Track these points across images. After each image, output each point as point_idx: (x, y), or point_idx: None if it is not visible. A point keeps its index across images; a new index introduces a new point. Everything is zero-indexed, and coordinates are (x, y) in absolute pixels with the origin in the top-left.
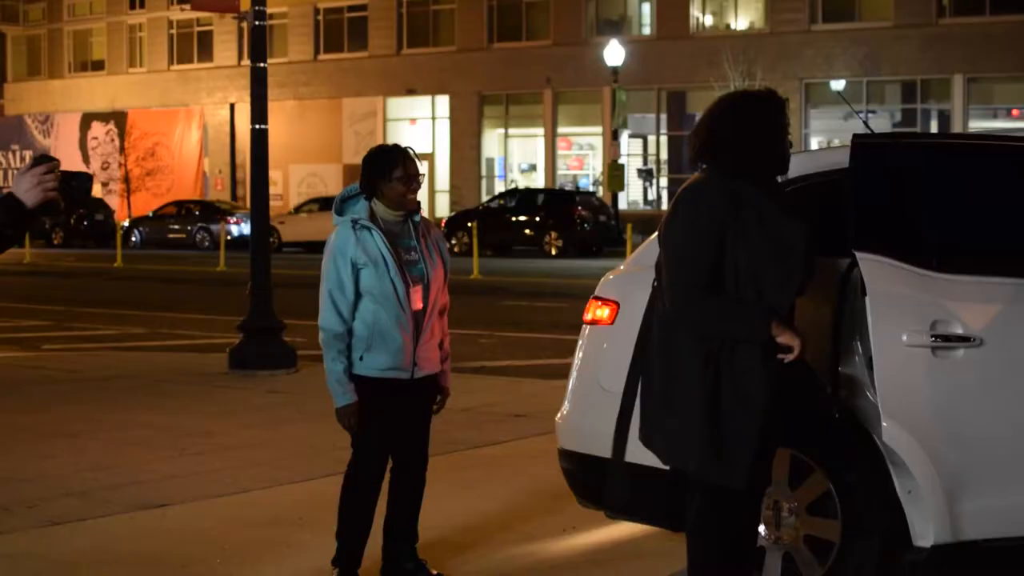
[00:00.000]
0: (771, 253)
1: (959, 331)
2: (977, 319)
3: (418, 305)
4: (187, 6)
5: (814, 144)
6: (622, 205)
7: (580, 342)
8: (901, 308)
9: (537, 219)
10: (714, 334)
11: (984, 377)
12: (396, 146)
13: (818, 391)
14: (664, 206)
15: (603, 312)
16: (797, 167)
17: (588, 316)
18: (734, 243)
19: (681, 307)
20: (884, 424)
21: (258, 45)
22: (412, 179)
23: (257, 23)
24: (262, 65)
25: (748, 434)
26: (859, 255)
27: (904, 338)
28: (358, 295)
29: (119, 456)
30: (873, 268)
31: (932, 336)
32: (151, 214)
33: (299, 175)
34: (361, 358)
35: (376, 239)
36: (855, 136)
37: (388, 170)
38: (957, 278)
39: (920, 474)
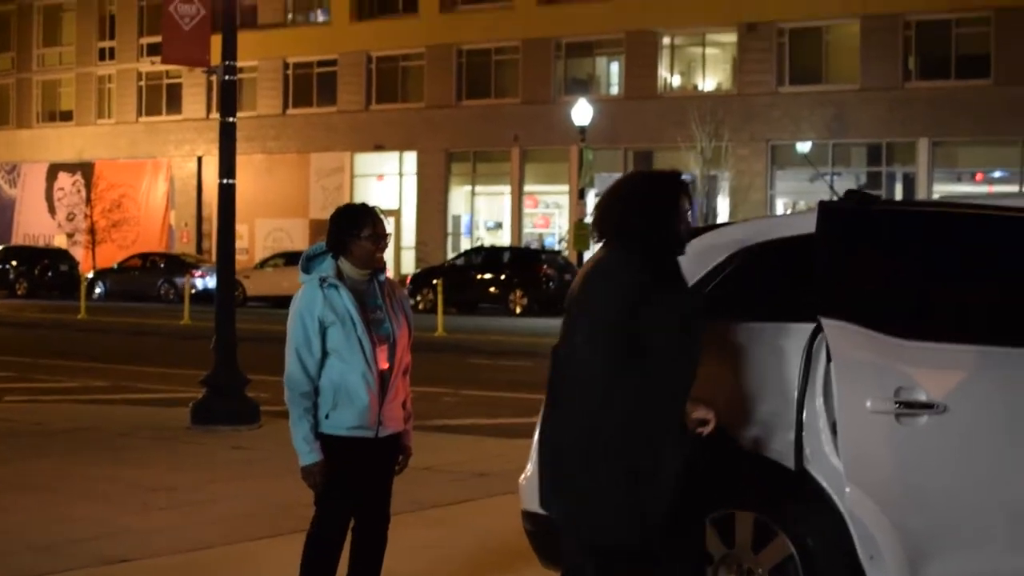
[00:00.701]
0: (676, 330)
1: (922, 398)
2: (940, 386)
3: (384, 364)
4: (158, 59)
5: (779, 205)
6: None
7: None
8: (865, 374)
9: (502, 277)
10: (631, 405)
11: (947, 443)
12: (364, 205)
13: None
14: None
15: None
16: (762, 231)
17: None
18: (647, 321)
19: (597, 379)
20: (847, 489)
21: (228, 99)
22: (380, 238)
23: (227, 77)
24: (231, 120)
25: (660, 499)
26: (824, 321)
27: (868, 404)
28: (324, 353)
29: (83, 509)
30: (838, 334)
31: (896, 403)
32: (116, 266)
33: (265, 229)
34: (327, 416)
35: (344, 297)
36: (820, 203)
37: (357, 229)
38: (921, 344)
39: (883, 540)
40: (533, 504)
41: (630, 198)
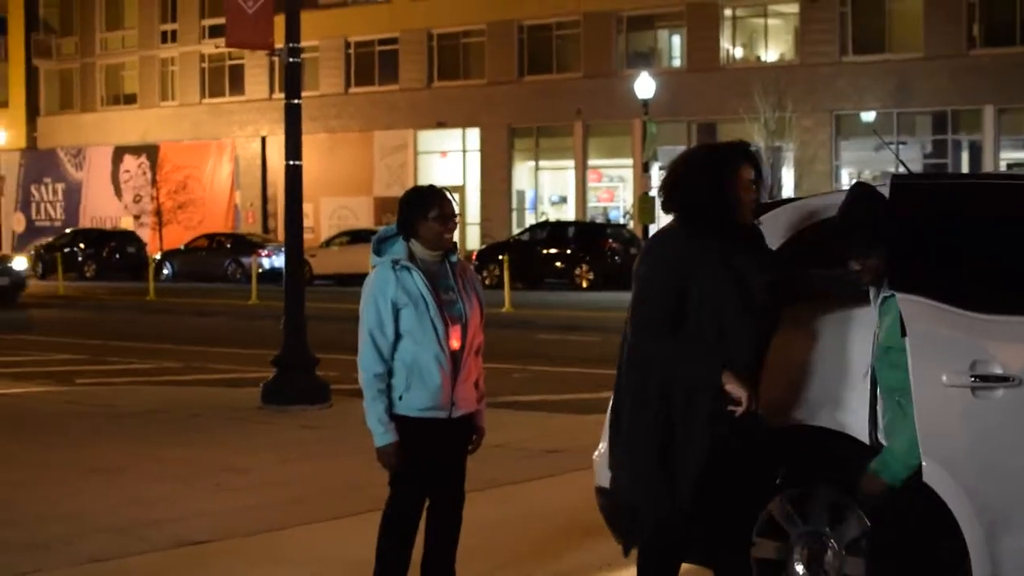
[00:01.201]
0: (733, 302)
1: (998, 371)
2: (1016, 359)
3: (456, 345)
4: (221, 42)
5: (845, 176)
6: None
7: None
8: (940, 348)
9: (568, 251)
10: (668, 373)
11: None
12: (432, 187)
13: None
14: None
15: None
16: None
17: None
18: (699, 290)
19: (639, 342)
20: (924, 463)
21: (292, 82)
22: (448, 219)
23: (291, 60)
24: (296, 101)
25: (688, 474)
26: (898, 296)
27: (944, 378)
28: (397, 335)
29: (156, 491)
30: (912, 308)
31: (972, 376)
32: (183, 247)
33: (330, 208)
34: (400, 398)
35: (416, 279)
36: (893, 176)
37: (424, 210)
38: (995, 318)
39: (960, 513)
40: (606, 480)
41: (689, 169)
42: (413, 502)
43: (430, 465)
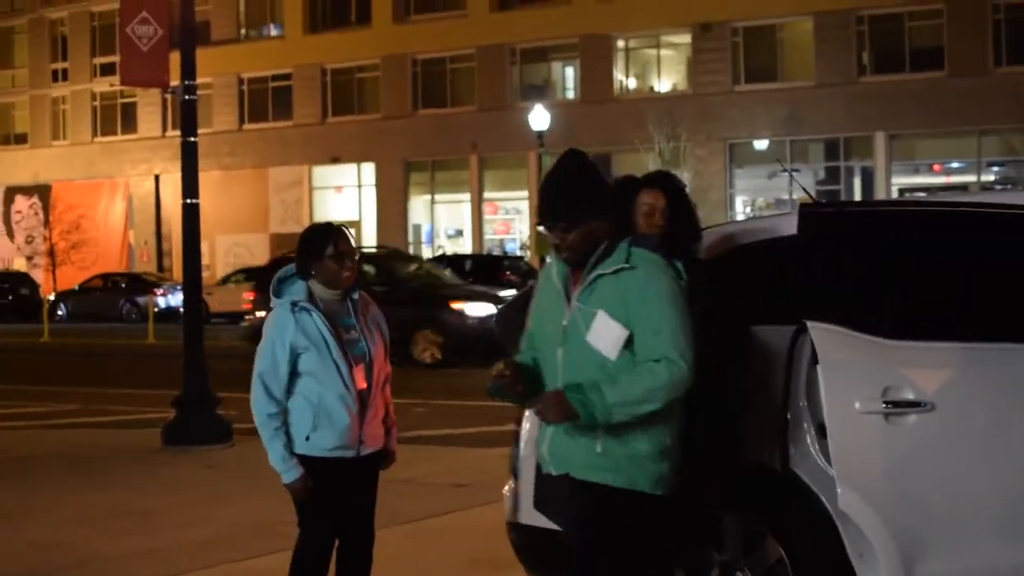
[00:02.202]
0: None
1: (910, 396)
2: (928, 384)
3: (362, 384)
4: (116, 80)
5: (739, 204)
6: None
7: (526, 412)
8: (853, 375)
9: None
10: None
11: (936, 441)
12: (327, 224)
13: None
14: None
15: None
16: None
17: None
18: None
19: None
20: (839, 490)
21: (188, 119)
22: (345, 256)
23: (187, 97)
24: (193, 139)
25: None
26: (809, 324)
27: (857, 405)
28: (295, 374)
29: (56, 537)
30: (824, 336)
31: (884, 402)
32: (77, 287)
33: (226, 245)
34: (308, 438)
35: (316, 320)
36: (802, 206)
37: (321, 249)
38: (907, 344)
39: (876, 539)
40: (518, 515)
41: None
42: (322, 542)
43: (338, 504)
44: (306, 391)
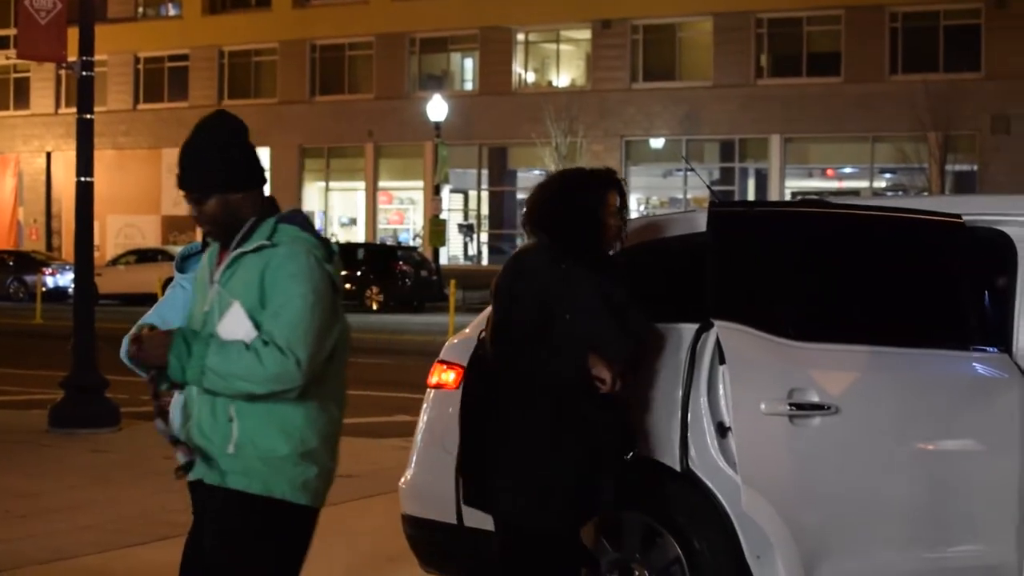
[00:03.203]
0: (599, 312)
1: (815, 399)
2: (833, 387)
3: None
4: (12, 53)
5: (633, 201)
6: (443, 260)
7: (425, 406)
8: (759, 376)
9: (358, 273)
10: (543, 373)
11: (840, 443)
12: None
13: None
14: (484, 262)
15: (448, 376)
16: (648, 232)
17: (433, 380)
18: (561, 306)
19: (511, 355)
20: (742, 490)
21: (85, 96)
22: None
23: (84, 73)
24: (89, 116)
25: (566, 479)
26: (717, 323)
27: (762, 406)
28: None
29: None
30: (731, 336)
31: (789, 404)
32: None
33: (117, 225)
34: None
35: None
36: (711, 205)
37: None
38: (813, 346)
39: (777, 540)
40: (414, 509)
41: (554, 194)
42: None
43: None
44: None
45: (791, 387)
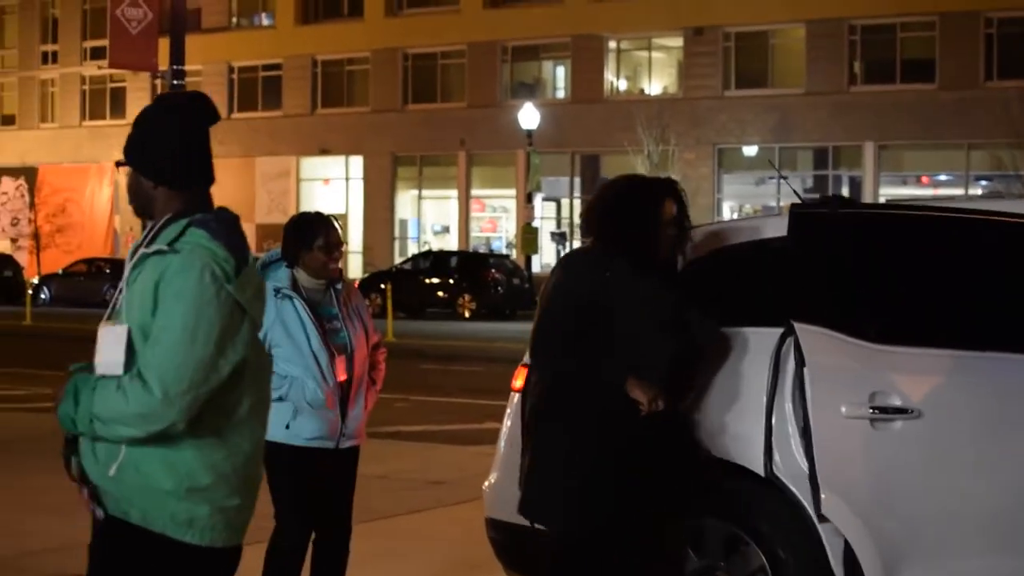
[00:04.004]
0: (645, 323)
1: (897, 403)
2: (915, 391)
3: (342, 376)
4: (104, 63)
5: (726, 209)
6: (535, 268)
7: (508, 410)
8: (840, 379)
9: (451, 281)
10: (573, 385)
11: (922, 448)
12: (318, 214)
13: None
14: None
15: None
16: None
17: (517, 383)
18: (604, 313)
19: (536, 355)
20: (823, 495)
21: None
22: (334, 248)
23: (175, 82)
24: None
25: (598, 486)
26: (797, 326)
27: (843, 409)
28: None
29: (31, 523)
30: (812, 339)
31: (871, 408)
32: (61, 271)
33: None
34: (287, 426)
35: (298, 307)
36: (792, 206)
37: (310, 239)
38: (895, 349)
39: (857, 545)
40: (499, 513)
41: (615, 199)
42: (299, 534)
43: (316, 496)
44: (287, 380)
45: (873, 390)
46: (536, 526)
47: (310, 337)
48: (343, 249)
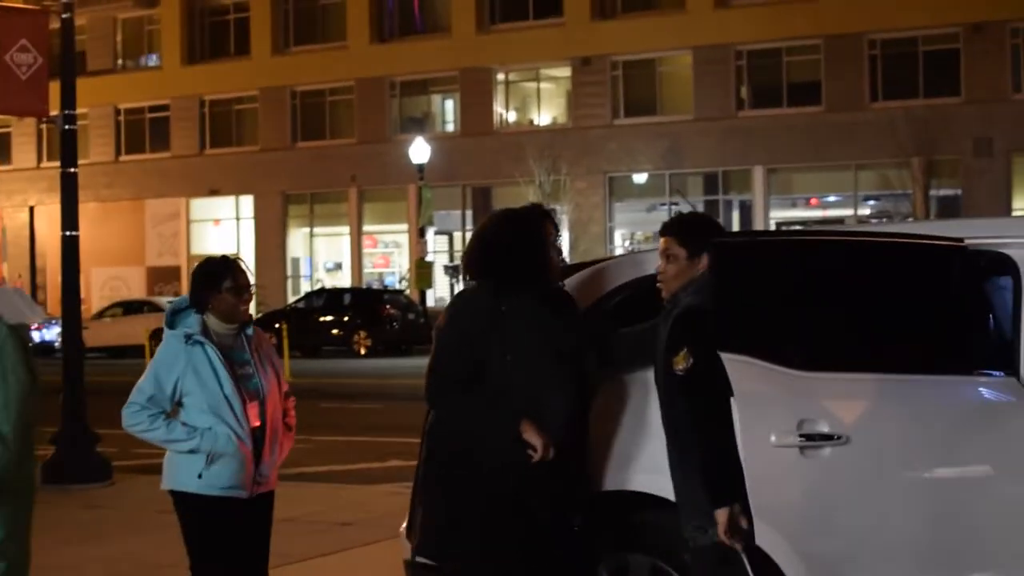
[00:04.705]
0: (542, 357)
1: (825, 429)
2: (842, 416)
3: (256, 422)
4: None
5: (618, 237)
6: (430, 302)
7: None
8: (767, 408)
9: (345, 318)
10: (463, 429)
11: (851, 474)
12: (224, 257)
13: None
14: None
15: None
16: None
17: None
18: (500, 349)
19: (433, 398)
20: (754, 522)
21: (68, 150)
22: (243, 290)
23: (67, 127)
24: (73, 170)
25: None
26: (724, 356)
27: (772, 438)
28: (180, 407)
29: None
30: (738, 368)
31: (799, 435)
32: None
33: (102, 278)
34: (200, 476)
35: (210, 353)
36: (712, 239)
37: (218, 282)
38: (820, 375)
39: (789, 571)
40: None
41: (489, 236)
42: None
43: (232, 544)
44: (198, 427)
45: (800, 418)
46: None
47: (222, 383)
48: (251, 292)
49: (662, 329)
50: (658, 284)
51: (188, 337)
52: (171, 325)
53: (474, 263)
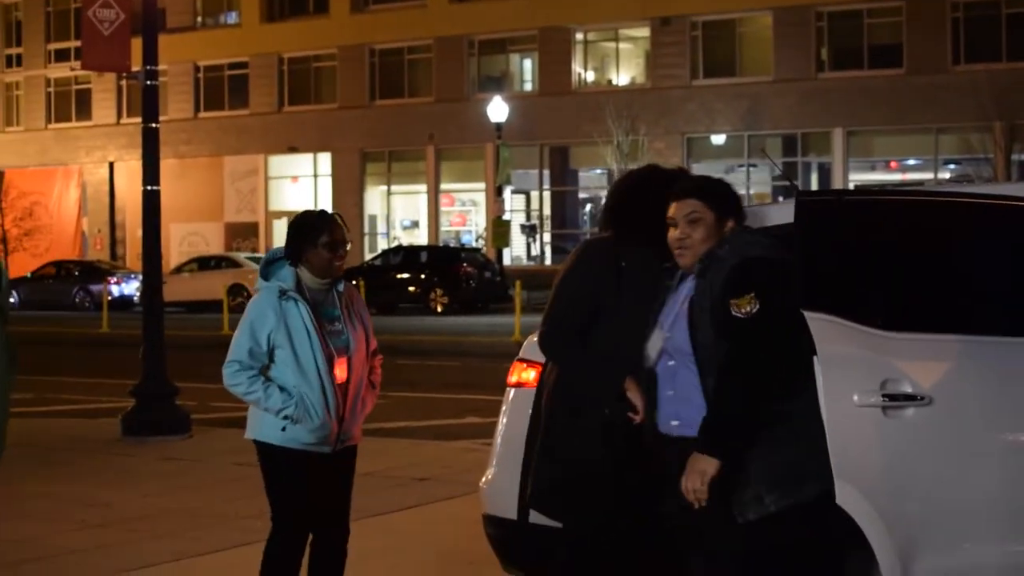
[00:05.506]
0: (649, 320)
1: (908, 390)
2: (926, 377)
3: (342, 378)
4: (74, 64)
5: None
6: (506, 261)
7: (504, 406)
8: (851, 368)
9: (422, 276)
10: (578, 381)
11: (934, 435)
12: (323, 212)
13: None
14: (548, 261)
15: (528, 375)
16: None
17: (513, 379)
18: (616, 300)
19: (550, 349)
20: (836, 484)
21: (150, 105)
22: (339, 245)
23: (149, 83)
24: (154, 125)
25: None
26: (807, 315)
27: (855, 398)
28: (271, 362)
29: (17, 530)
30: (822, 328)
31: (882, 395)
32: (29, 275)
33: (180, 234)
34: (283, 429)
35: (301, 311)
36: (798, 193)
37: (314, 237)
38: (905, 336)
39: (871, 534)
40: (497, 509)
41: (619, 191)
42: (295, 537)
43: (313, 498)
44: (284, 382)
45: (884, 378)
46: (539, 522)
47: (311, 340)
48: (347, 248)
49: (703, 286)
50: (676, 251)
51: (283, 293)
52: (265, 276)
53: (605, 215)
